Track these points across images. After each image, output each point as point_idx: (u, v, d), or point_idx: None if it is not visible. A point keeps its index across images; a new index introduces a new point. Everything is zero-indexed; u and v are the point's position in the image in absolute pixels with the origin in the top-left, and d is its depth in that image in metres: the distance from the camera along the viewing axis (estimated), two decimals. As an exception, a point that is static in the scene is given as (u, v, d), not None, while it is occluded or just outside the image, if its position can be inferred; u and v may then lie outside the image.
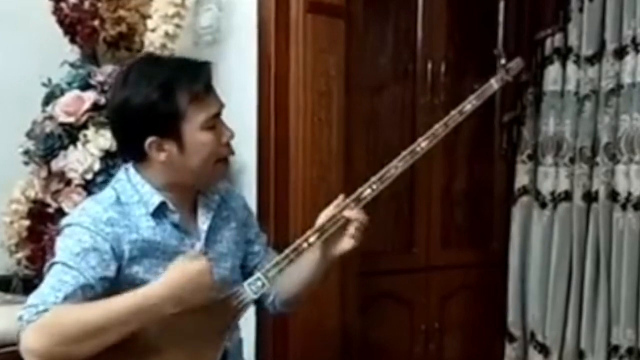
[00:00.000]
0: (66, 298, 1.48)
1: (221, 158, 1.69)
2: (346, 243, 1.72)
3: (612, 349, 2.82)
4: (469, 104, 1.82)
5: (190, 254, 1.61)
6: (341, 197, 1.74)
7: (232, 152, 1.72)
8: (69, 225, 1.62)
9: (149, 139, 1.61)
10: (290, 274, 1.72)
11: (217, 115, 1.68)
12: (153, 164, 1.66)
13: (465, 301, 3.05)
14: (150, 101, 1.59)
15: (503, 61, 1.94)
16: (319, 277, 1.81)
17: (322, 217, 1.72)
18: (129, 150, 1.69)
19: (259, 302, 1.76)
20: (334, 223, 1.70)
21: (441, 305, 2.97)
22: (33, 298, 1.49)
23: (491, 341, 3.11)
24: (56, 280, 1.51)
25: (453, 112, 1.81)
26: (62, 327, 1.44)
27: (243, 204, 1.88)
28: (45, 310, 1.45)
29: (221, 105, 1.69)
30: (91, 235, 1.56)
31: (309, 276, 1.80)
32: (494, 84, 1.87)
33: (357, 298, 2.58)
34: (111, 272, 1.57)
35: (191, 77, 1.64)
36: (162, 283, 1.51)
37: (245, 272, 1.83)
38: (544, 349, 2.99)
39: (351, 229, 1.70)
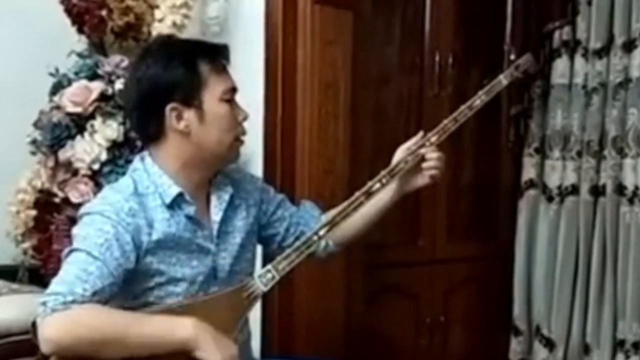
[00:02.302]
0: (94, 294, 1.48)
1: (237, 136, 1.71)
2: (422, 179, 1.80)
3: (618, 344, 2.82)
4: (478, 100, 1.84)
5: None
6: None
7: (244, 132, 1.73)
8: (88, 213, 1.61)
9: (170, 105, 1.61)
10: (359, 212, 1.76)
11: (234, 91, 1.69)
12: (170, 140, 1.65)
13: (470, 294, 3.05)
14: (172, 67, 1.62)
15: (512, 57, 1.94)
16: (387, 212, 1.87)
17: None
18: (147, 123, 1.67)
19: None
20: (343, 217, 1.71)
21: (446, 299, 2.97)
22: (58, 286, 1.48)
23: (496, 335, 3.11)
24: (81, 270, 1.50)
25: (462, 107, 1.82)
26: (88, 329, 1.45)
27: (258, 186, 1.88)
28: (73, 302, 1.45)
29: (236, 85, 1.71)
30: (113, 225, 1.56)
31: (379, 212, 1.86)
32: (502, 80, 1.88)
33: (363, 291, 2.58)
34: (131, 263, 1.57)
35: (212, 50, 1.68)
36: (191, 325, 1.52)
37: (278, 239, 1.88)
38: (549, 343, 2.99)
39: (430, 163, 1.78)
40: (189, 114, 1.63)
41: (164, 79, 1.62)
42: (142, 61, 1.67)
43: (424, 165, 1.79)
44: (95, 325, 1.46)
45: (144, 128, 1.71)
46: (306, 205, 1.97)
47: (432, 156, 1.79)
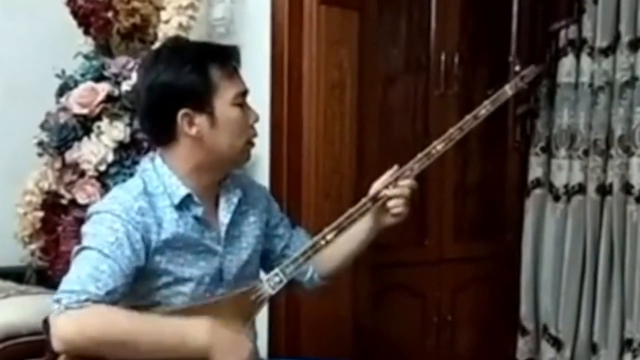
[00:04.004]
0: (108, 293, 1.49)
1: (249, 139, 1.71)
2: (390, 218, 1.78)
3: (626, 343, 2.81)
4: (483, 109, 1.85)
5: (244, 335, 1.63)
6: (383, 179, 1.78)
7: (256, 134, 1.73)
8: (98, 212, 1.62)
9: (182, 111, 1.61)
10: (336, 246, 1.75)
11: (245, 94, 1.70)
12: (181, 145, 1.65)
13: (477, 294, 3.04)
14: (184, 74, 1.61)
15: (517, 68, 1.95)
16: (366, 247, 1.87)
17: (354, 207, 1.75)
18: (158, 129, 1.68)
19: (294, 283, 1.76)
20: (351, 221, 1.72)
21: (453, 298, 2.96)
22: (71, 284, 1.49)
23: (503, 334, 3.11)
24: (93, 268, 1.50)
25: (468, 117, 1.83)
26: (101, 330, 1.46)
27: (265, 194, 1.90)
28: (87, 300, 1.46)
29: (247, 88, 1.71)
30: (123, 223, 1.57)
31: (357, 246, 1.86)
32: (508, 90, 1.89)
33: (369, 290, 2.58)
34: (141, 261, 1.58)
35: (223, 54, 1.68)
36: (206, 327, 1.52)
37: (272, 257, 1.86)
38: (556, 343, 2.98)
39: (392, 203, 1.76)
40: (201, 120, 1.63)
41: (176, 86, 1.61)
42: (152, 67, 1.66)
43: (389, 204, 1.77)
44: (109, 328, 1.46)
45: (156, 133, 1.71)
46: (300, 232, 1.94)
47: (392, 193, 1.76)
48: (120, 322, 1.48)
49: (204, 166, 1.67)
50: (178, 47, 1.72)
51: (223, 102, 1.64)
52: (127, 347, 1.47)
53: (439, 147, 1.80)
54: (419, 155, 1.79)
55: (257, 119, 1.72)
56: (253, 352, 1.59)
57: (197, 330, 1.52)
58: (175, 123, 1.63)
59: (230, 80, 1.66)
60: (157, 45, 2.35)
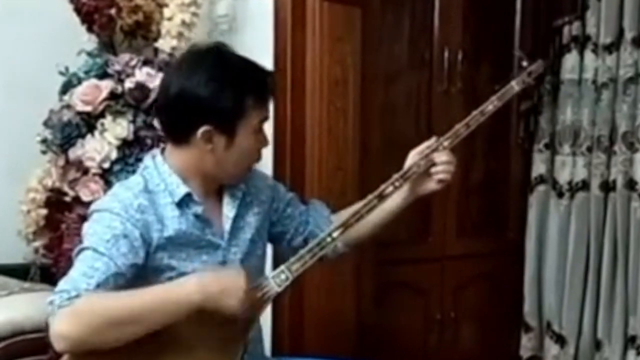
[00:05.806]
0: (98, 285, 1.49)
1: (252, 163, 1.73)
2: (434, 184, 1.81)
3: (629, 339, 2.82)
4: (490, 105, 1.85)
5: (232, 266, 1.66)
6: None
7: (260, 159, 1.74)
8: (98, 210, 1.62)
9: (204, 128, 1.61)
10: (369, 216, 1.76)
11: (266, 120, 1.70)
12: (191, 150, 1.65)
13: (481, 291, 3.05)
14: (221, 94, 1.60)
15: (524, 63, 1.94)
16: (395, 217, 1.88)
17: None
18: (176, 130, 1.67)
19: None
20: (357, 219, 1.72)
21: (457, 295, 2.97)
22: (64, 283, 1.49)
23: (507, 331, 3.11)
24: (87, 267, 1.51)
25: (474, 113, 1.83)
26: (93, 314, 1.45)
27: (268, 183, 1.89)
28: (77, 296, 1.45)
29: (269, 115, 1.72)
30: (121, 221, 1.57)
31: (388, 216, 1.86)
32: (514, 85, 1.88)
33: (373, 287, 2.58)
34: (140, 259, 1.57)
35: (262, 82, 1.67)
36: (194, 280, 1.52)
37: (287, 237, 1.89)
38: (560, 339, 2.98)
39: (439, 168, 1.78)
40: (219, 140, 1.63)
41: (209, 103, 1.60)
42: (193, 71, 1.63)
43: (433, 170, 1.80)
44: (98, 308, 1.46)
45: (170, 131, 1.70)
46: (316, 204, 1.97)
47: (442, 160, 1.79)
48: (112, 299, 1.48)
49: (205, 175, 1.68)
50: (223, 62, 1.67)
51: (246, 129, 1.64)
52: (125, 323, 1.46)
53: (445, 144, 1.80)
54: (426, 152, 1.80)
55: (266, 145, 1.73)
56: (245, 288, 1.54)
57: (188, 288, 1.50)
58: (194, 134, 1.62)
59: (259, 108, 1.66)
60: (161, 42, 2.37)
